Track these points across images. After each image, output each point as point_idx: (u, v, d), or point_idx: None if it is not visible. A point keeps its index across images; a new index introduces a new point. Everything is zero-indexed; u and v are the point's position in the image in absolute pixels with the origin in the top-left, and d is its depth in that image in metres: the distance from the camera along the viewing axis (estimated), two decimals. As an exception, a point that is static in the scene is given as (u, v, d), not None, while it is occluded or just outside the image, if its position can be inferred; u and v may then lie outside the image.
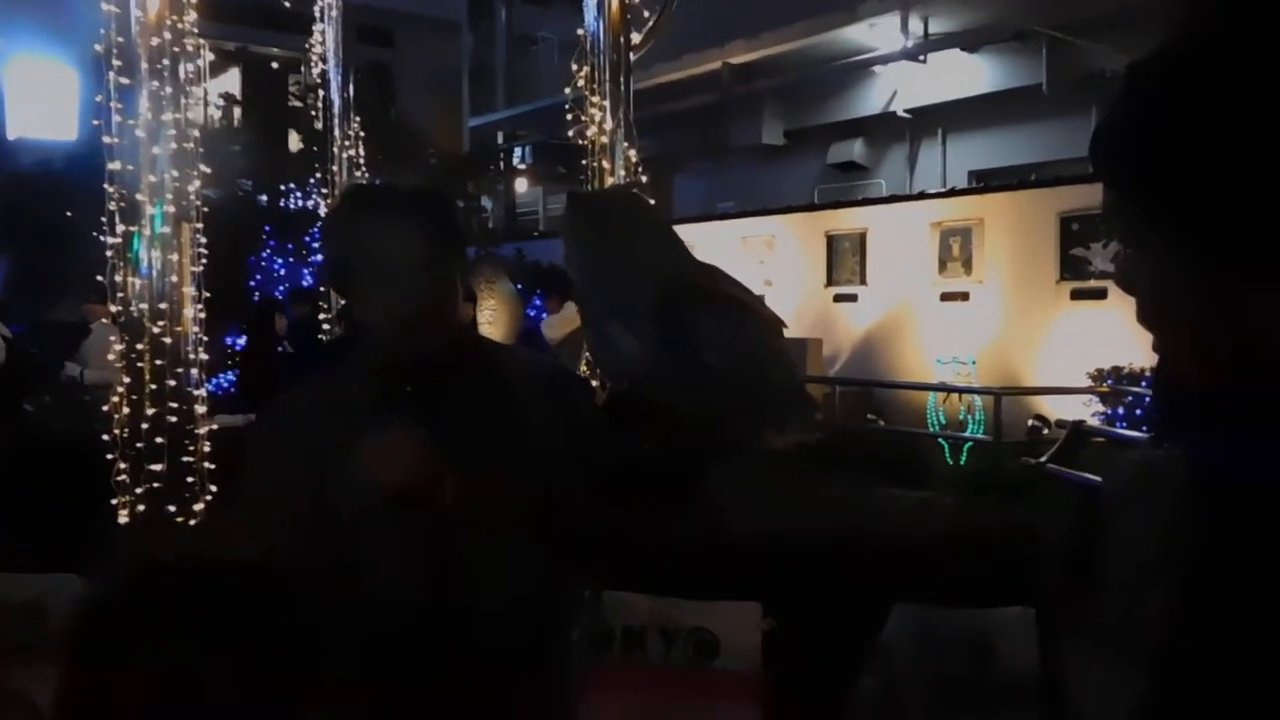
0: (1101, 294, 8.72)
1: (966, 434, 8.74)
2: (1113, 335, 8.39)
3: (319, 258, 10.37)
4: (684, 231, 2.57)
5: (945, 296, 9.95)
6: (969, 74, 13.54)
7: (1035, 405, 8.68)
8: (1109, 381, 7.90)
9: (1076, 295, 8.95)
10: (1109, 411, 7.71)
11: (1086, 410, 7.76)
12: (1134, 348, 7.93)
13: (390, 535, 1.52)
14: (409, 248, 1.59)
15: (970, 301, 9.77)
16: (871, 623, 3.06)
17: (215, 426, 5.18)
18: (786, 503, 3.13)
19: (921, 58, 13.69)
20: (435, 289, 1.63)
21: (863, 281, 10.77)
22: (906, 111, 14.35)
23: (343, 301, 1.76)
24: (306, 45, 8.14)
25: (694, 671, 3.04)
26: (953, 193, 10.97)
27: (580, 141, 5.94)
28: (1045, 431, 8.16)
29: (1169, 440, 0.87)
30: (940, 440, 8.86)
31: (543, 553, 1.65)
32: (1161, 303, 0.76)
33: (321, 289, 8.95)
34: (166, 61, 4.76)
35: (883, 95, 14.60)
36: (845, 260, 10.97)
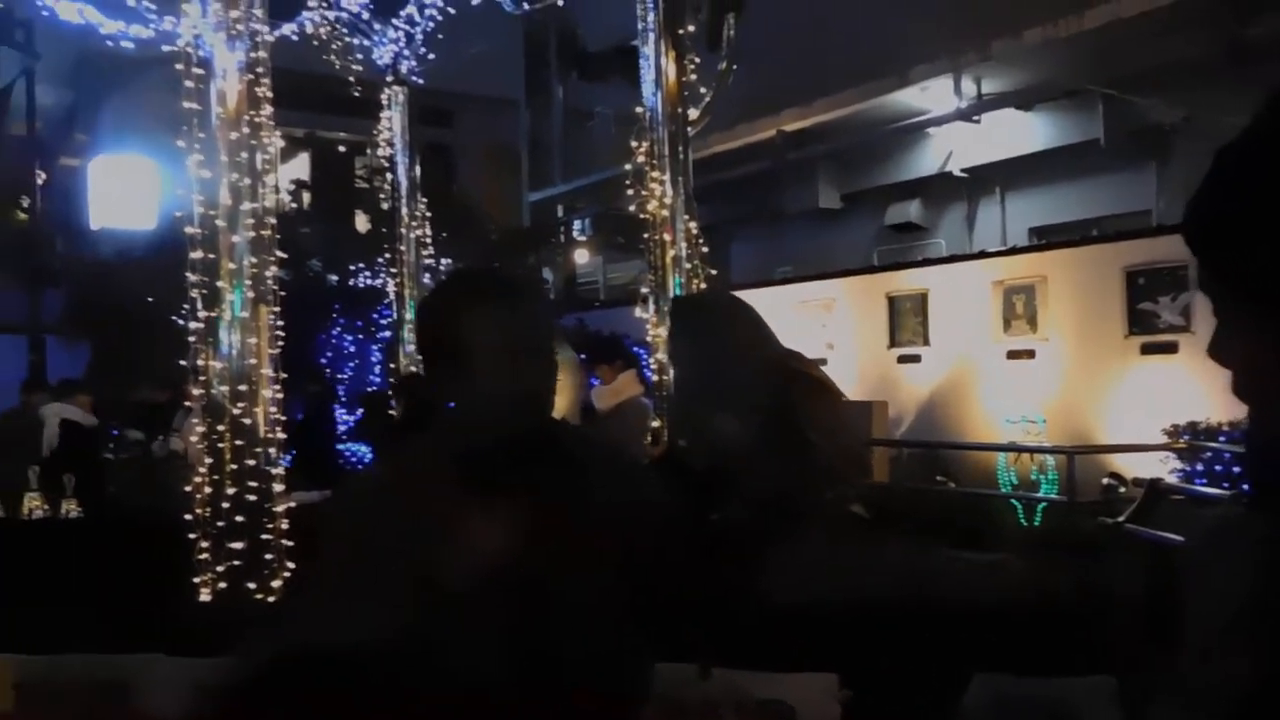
0: (1173, 348, 8.56)
1: (1039, 494, 8.58)
2: (1187, 389, 8.22)
3: (387, 335, 10.60)
4: (742, 298, 2.65)
5: (1011, 355, 9.85)
6: (1025, 132, 13.54)
7: (1109, 463, 8.51)
8: (1186, 437, 7.71)
9: (1147, 349, 8.81)
10: (1187, 468, 7.52)
11: (1163, 467, 7.58)
12: (1211, 402, 7.77)
13: (487, 609, 1.57)
14: (523, 334, 1.67)
15: (1036, 359, 9.66)
16: (950, 692, 3.02)
17: (293, 504, 5.30)
18: (857, 569, 3.12)
19: (976, 118, 13.73)
20: (543, 373, 1.71)
21: (925, 342, 10.71)
22: (963, 171, 14.36)
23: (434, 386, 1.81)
24: (375, 130, 8.43)
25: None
26: (1014, 250, 10.92)
27: (641, 215, 6.05)
28: (1121, 490, 7.98)
29: (1266, 501, 0.87)
30: (1013, 501, 8.71)
31: (627, 627, 1.69)
32: (1255, 375, 0.78)
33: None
34: (245, 154, 4.98)
35: (938, 156, 14.64)
36: (907, 321, 10.92)
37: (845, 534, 2.51)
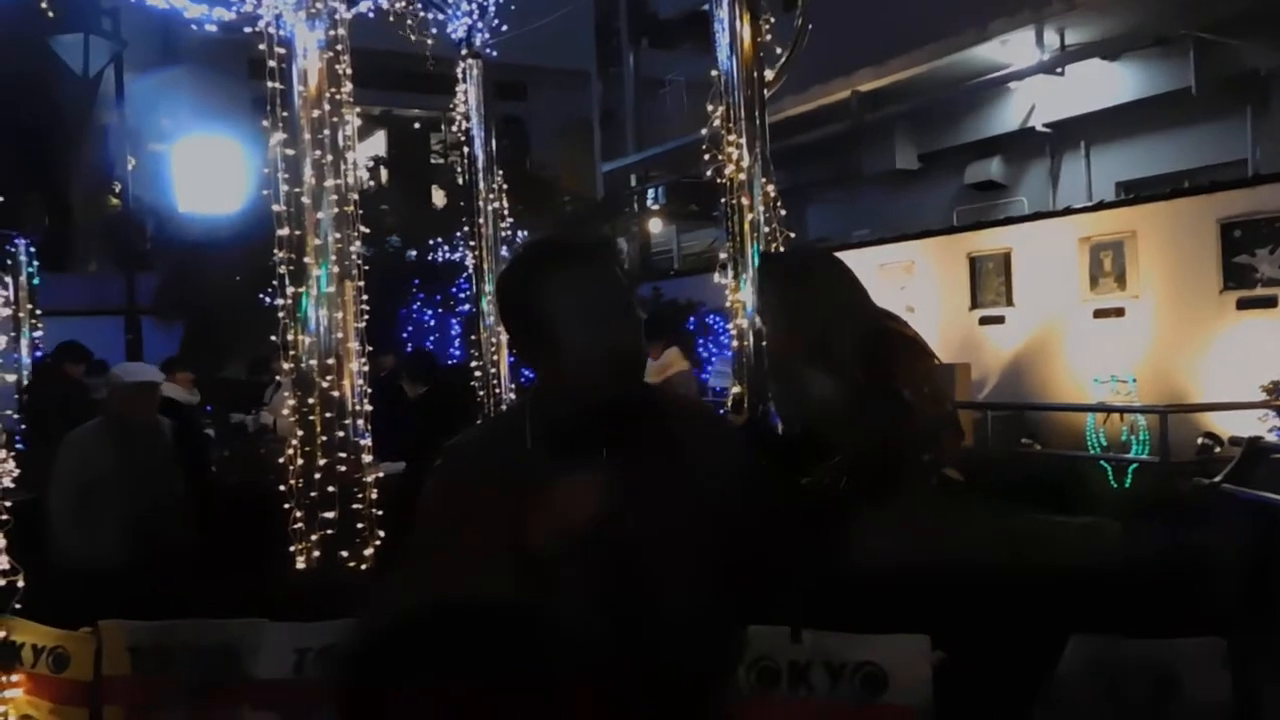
0: (1271, 302, 8.26)
1: (1130, 455, 8.38)
2: (1287, 345, 7.94)
3: (466, 308, 10.74)
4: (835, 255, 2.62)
5: (1099, 313, 9.60)
6: (1111, 83, 13.09)
7: (1204, 423, 8.26)
8: (1287, 395, 7.46)
9: (1243, 305, 8.51)
10: (1288, 426, 7.29)
11: (1262, 426, 7.35)
12: (1312, 358, 7.49)
13: (586, 575, 1.58)
14: (611, 298, 1.67)
15: (1126, 317, 9.40)
16: (1045, 654, 2.97)
17: (381, 474, 5.41)
18: (950, 531, 3.09)
19: (1059, 70, 13.32)
20: (632, 335, 1.71)
21: (1009, 303, 10.49)
22: (1046, 126, 13.96)
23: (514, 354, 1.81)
24: (450, 105, 8.48)
25: (862, 707, 3.01)
26: (1101, 206, 10.60)
27: (719, 180, 6.00)
28: (1217, 450, 7.76)
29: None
30: (1102, 463, 8.52)
31: (717, 587, 1.69)
32: None
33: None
34: (327, 131, 5.06)
35: (1019, 111, 14.25)
36: (990, 282, 10.70)
37: (939, 497, 2.49)
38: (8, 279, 10.39)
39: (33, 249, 11.54)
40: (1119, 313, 9.44)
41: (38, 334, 11.48)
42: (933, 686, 2.94)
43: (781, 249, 5.91)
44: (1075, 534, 5.60)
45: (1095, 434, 8.88)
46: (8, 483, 4.22)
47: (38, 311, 11.57)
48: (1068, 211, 10.75)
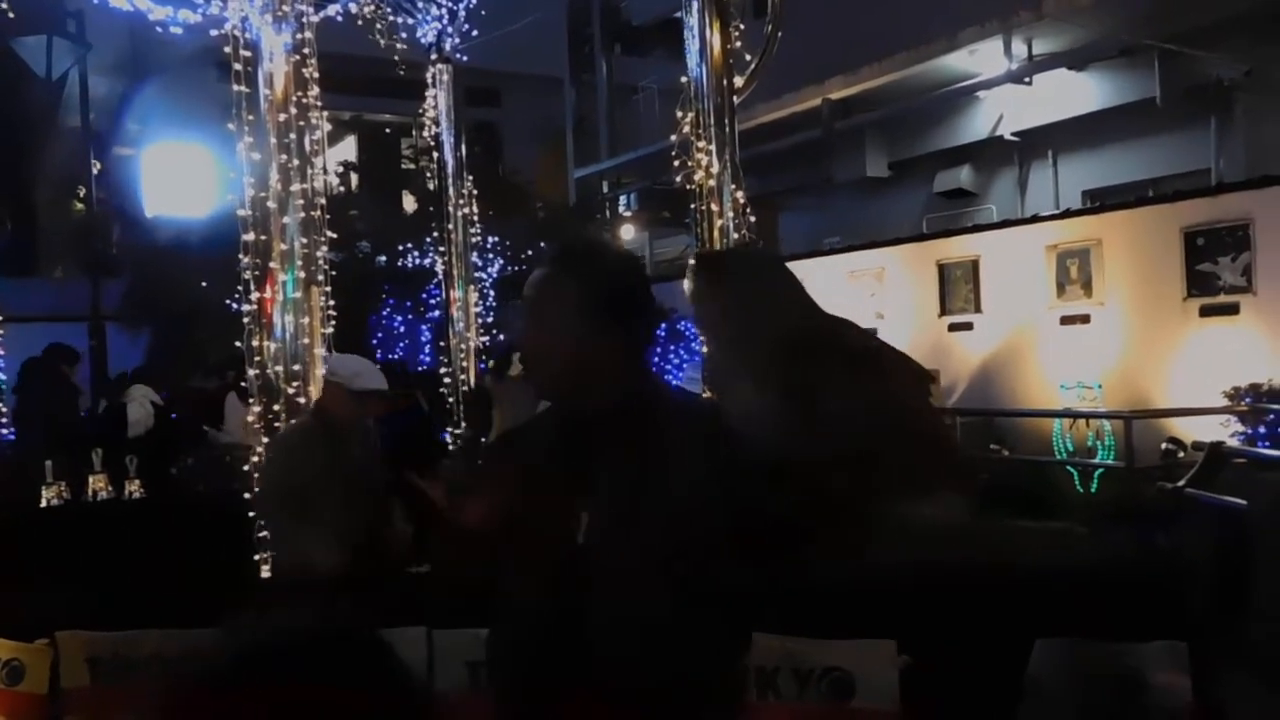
0: (1233, 309, 8.37)
1: (1096, 460, 8.45)
2: (1248, 351, 8.03)
3: (436, 314, 10.68)
4: (791, 269, 2.55)
5: (1065, 320, 9.69)
6: (1077, 93, 13.24)
7: (1168, 428, 8.35)
8: (1247, 400, 7.56)
9: (1206, 312, 8.61)
10: (1249, 431, 7.38)
11: (1224, 431, 7.44)
12: (1273, 363, 7.60)
13: (524, 565, 1.60)
14: (626, 304, 1.71)
15: (1092, 324, 9.49)
16: (1012, 658, 2.99)
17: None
18: (915, 536, 3.09)
19: (1027, 80, 13.45)
20: (645, 338, 1.75)
21: (978, 309, 10.56)
22: (1014, 135, 14.09)
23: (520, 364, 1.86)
24: (420, 110, 8.44)
25: (829, 712, 3.01)
26: (1068, 214, 10.70)
27: (688, 186, 6.02)
28: (1181, 455, 7.84)
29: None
30: (1069, 468, 8.58)
31: (679, 592, 1.68)
32: None
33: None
34: (293, 135, 5.02)
35: (988, 120, 14.38)
36: (958, 289, 10.77)
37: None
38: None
39: (-6, 254, 11.37)
40: (1085, 319, 9.53)
41: (-2, 340, 11.28)
42: (900, 690, 2.94)
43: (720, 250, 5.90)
44: (1041, 538, 5.63)
45: (1062, 439, 8.96)
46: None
47: (-1, 318, 11.38)
48: (1035, 219, 10.85)
